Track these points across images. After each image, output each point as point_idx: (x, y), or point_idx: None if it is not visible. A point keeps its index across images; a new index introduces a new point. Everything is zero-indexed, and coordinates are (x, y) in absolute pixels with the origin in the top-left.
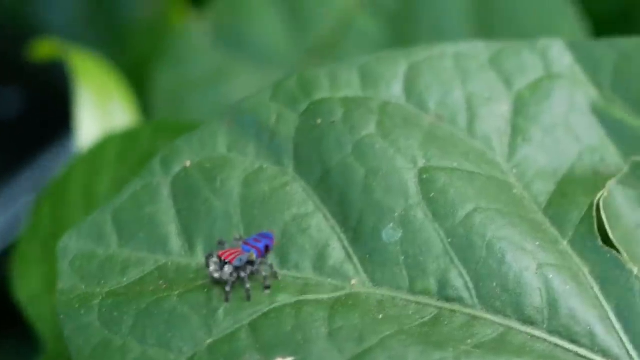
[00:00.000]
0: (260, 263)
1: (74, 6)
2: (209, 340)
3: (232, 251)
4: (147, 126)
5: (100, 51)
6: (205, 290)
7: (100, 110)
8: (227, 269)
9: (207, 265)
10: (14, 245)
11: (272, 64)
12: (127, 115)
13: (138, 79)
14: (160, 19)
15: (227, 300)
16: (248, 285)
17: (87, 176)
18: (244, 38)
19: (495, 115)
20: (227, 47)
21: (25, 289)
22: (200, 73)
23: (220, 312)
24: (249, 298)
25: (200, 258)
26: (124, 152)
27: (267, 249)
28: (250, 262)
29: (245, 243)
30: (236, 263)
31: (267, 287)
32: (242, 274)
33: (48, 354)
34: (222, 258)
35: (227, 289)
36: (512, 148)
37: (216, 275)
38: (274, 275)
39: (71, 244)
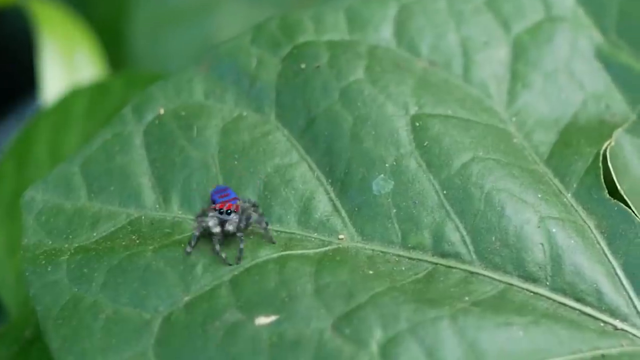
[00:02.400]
0: (256, 216)
1: None
2: (187, 298)
3: (228, 203)
4: (118, 78)
5: (65, 3)
6: (182, 245)
7: (65, 62)
8: (234, 217)
9: (204, 222)
10: None
11: None
12: (93, 67)
13: (105, 31)
14: None
15: (217, 253)
16: (242, 246)
17: (53, 132)
18: None
19: (493, 61)
20: None
21: None
22: (182, 5)
23: (199, 267)
24: (239, 260)
25: (175, 211)
26: (93, 106)
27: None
28: (247, 217)
29: (222, 196)
30: (239, 214)
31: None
32: (241, 226)
33: (11, 322)
34: (225, 208)
35: (237, 233)
36: (511, 95)
37: (218, 230)
38: (268, 232)
39: (37, 196)
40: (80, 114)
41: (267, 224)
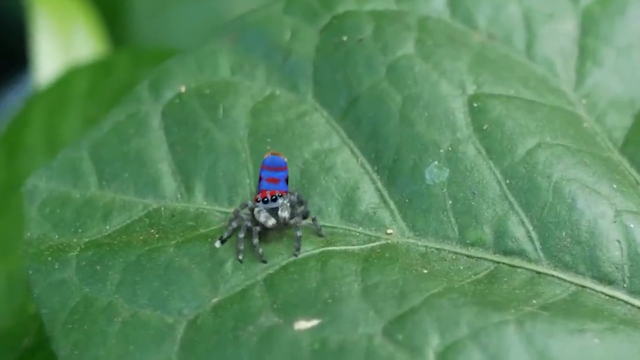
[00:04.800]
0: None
1: None
2: (215, 299)
3: (271, 190)
4: (123, 54)
5: None
6: (209, 239)
7: (60, 38)
8: (285, 201)
9: (252, 219)
10: None
11: None
12: (92, 43)
13: (103, 5)
14: None
15: (255, 246)
16: (299, 234)
17: (49, 116)
18: None
19: (559, 35)
20: None
21: None
22: None
23: (228, 265)
24: (298, 251)
25: (200, 202)
26: (95, 86)
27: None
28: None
29: (271, 180)
30: (287, 200)
31: (321, 235)
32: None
33: (5, 330)
34: (269, 194)
35: (291, 220)
36: (580, 74)
37: (272, 222)
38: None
39: (40, 185)
40: (80, 95)
41: (315, 218)
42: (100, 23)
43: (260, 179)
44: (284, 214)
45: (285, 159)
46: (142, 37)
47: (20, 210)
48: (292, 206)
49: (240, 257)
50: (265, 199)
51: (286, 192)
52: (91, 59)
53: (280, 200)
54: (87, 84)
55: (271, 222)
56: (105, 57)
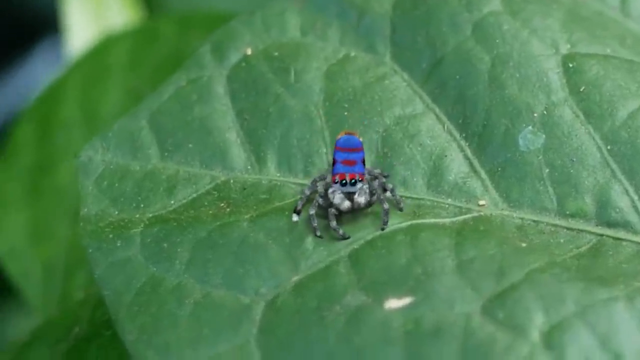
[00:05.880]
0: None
1: None
2: (296, 278)
3: (351, 173)
4: (166, 21)
5: None
6: (286, 213)
7: (93, 6)
8: (364, 186)
9: (326, 198)
10: None
11: None
12: (126, 11)
13: None
14: None
15: (334, 229)
16: (386, 207)
17: (86, 89)
18: None
19: None
20: None
21: (3, 239)
22: None
23: (309, 240)
24: (386, 224)
25: (272, 173)
26: (136, 55)
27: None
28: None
29: (347, 162)
30: (366, 185)
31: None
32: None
33: (49, 320)
34: (348, 178)
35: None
36: None
37: (347, 205)
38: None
39: (95, 157)
40: (119, 65)
41: (393, 189)
42: None
43: (334, 162)
44: (361, 199)
45: (361, 139)
46: (177, 4)
47: (54, 194)
48: (372, 191)
49: (318, 234)
50: (344, 182)
51: (364, 174)
52: (127, 26)
53: (359, 185)
54: (126, 54)
55: (346, 204)
56: (146, 24)
